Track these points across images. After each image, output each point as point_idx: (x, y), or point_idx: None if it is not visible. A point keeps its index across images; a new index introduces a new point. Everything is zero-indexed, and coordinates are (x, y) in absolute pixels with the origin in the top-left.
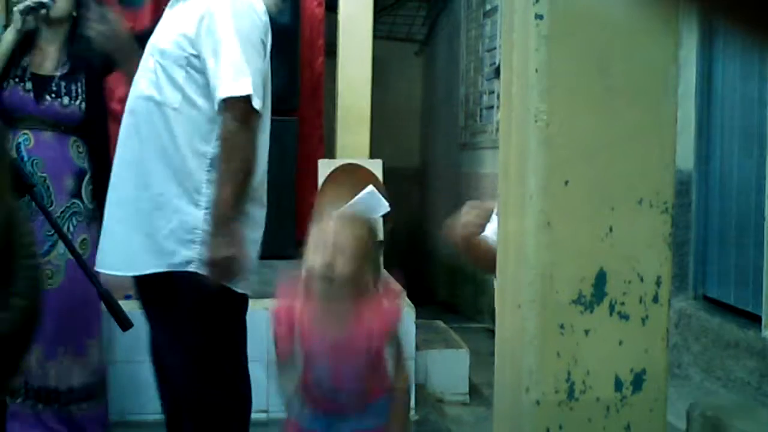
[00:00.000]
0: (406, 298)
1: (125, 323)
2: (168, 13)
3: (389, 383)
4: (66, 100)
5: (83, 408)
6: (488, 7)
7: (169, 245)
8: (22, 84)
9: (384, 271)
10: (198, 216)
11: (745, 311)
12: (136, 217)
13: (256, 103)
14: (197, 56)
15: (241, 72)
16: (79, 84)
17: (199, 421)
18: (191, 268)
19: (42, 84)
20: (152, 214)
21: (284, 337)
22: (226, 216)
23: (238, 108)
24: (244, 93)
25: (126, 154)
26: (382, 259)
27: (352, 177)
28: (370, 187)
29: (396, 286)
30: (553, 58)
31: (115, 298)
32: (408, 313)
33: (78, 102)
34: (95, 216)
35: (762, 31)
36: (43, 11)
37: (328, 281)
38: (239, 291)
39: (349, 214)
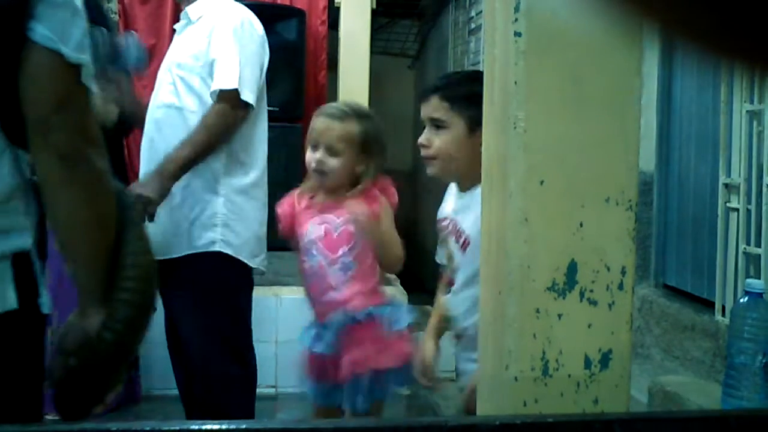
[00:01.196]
0: (399, 285)
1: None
2: (178, 38)
3: (379, 293)
4: None
5: None
6: (473, 26)
7: (194, 231)
8: None
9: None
10: (218, 202)
11: (700, 298)
12: (167, 208)
13: (246, 95)
14: (208, 64)
15: (233, 70)
16: None
17: (211, 390)
18: (215, 249)
19: None
20: (180, 205)
21: (285, 218)
22: (169, 170)
23: (227, 98)
24: (231, 86)
25: (153, 156)
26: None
27: None
28: None
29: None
30: (530, 72)
31: None
32: (401, 298)
33: None
34: None
35: (714, 49)
36: None
37: (320, 174)
38: (253, 266)
39: (333, 111)
